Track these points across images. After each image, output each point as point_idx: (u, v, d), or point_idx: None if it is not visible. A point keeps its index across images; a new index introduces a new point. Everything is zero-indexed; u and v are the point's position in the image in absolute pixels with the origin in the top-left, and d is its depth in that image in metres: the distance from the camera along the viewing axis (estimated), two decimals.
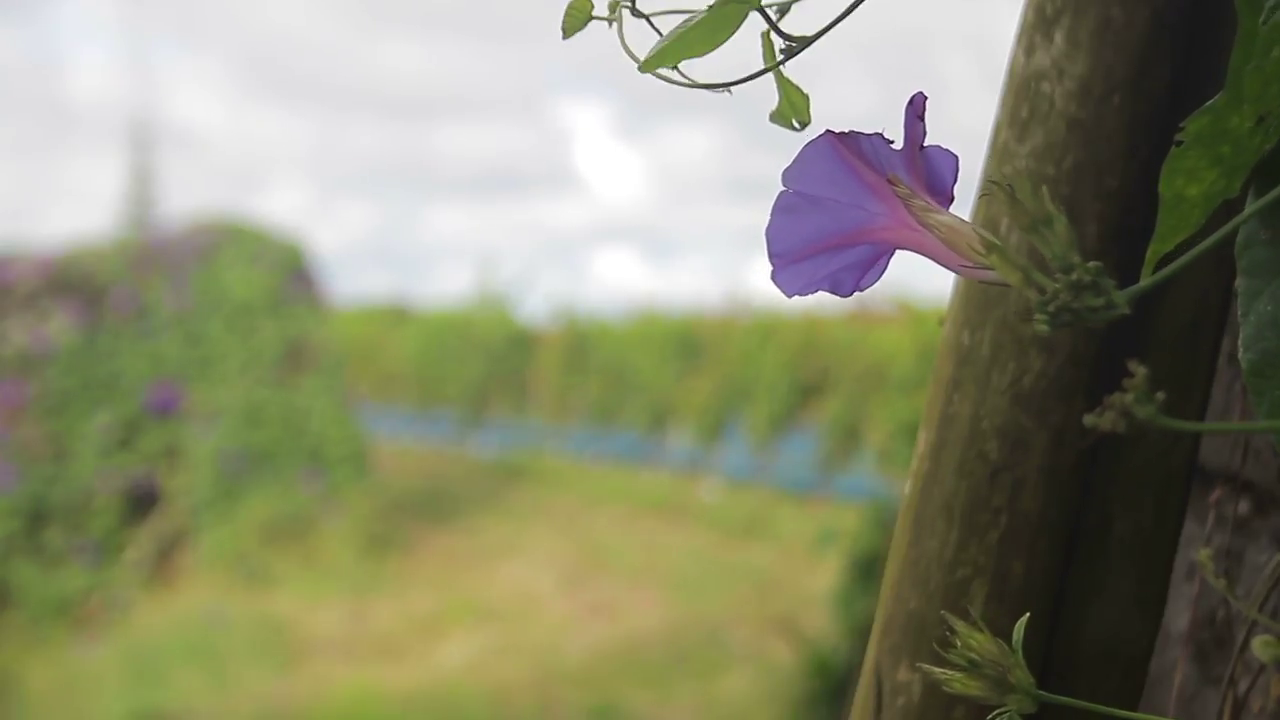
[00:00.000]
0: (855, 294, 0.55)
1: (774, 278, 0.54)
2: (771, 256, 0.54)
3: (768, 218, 0.54)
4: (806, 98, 0.65)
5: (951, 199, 0.55)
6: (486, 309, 13.40)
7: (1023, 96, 0.77)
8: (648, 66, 0.61)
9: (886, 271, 0.55)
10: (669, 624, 6.52)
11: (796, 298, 0.54)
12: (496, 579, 7.56)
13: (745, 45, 0.63)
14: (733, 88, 0.62)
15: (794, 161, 0.54)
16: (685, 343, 11.48)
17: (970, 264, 0.53)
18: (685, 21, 0.60)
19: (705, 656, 6.00)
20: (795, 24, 0.62)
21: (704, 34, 0.60)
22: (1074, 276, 0.45)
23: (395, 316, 15.20)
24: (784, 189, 0.54)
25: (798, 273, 0.54)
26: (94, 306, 8.04)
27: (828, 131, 0.54)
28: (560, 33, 0.63)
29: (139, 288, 8.19)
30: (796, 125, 0.65)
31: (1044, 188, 0.47)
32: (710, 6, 0.60)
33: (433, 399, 13.64)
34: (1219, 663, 0.85)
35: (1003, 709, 0.54)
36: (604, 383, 12.10)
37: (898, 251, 0.55)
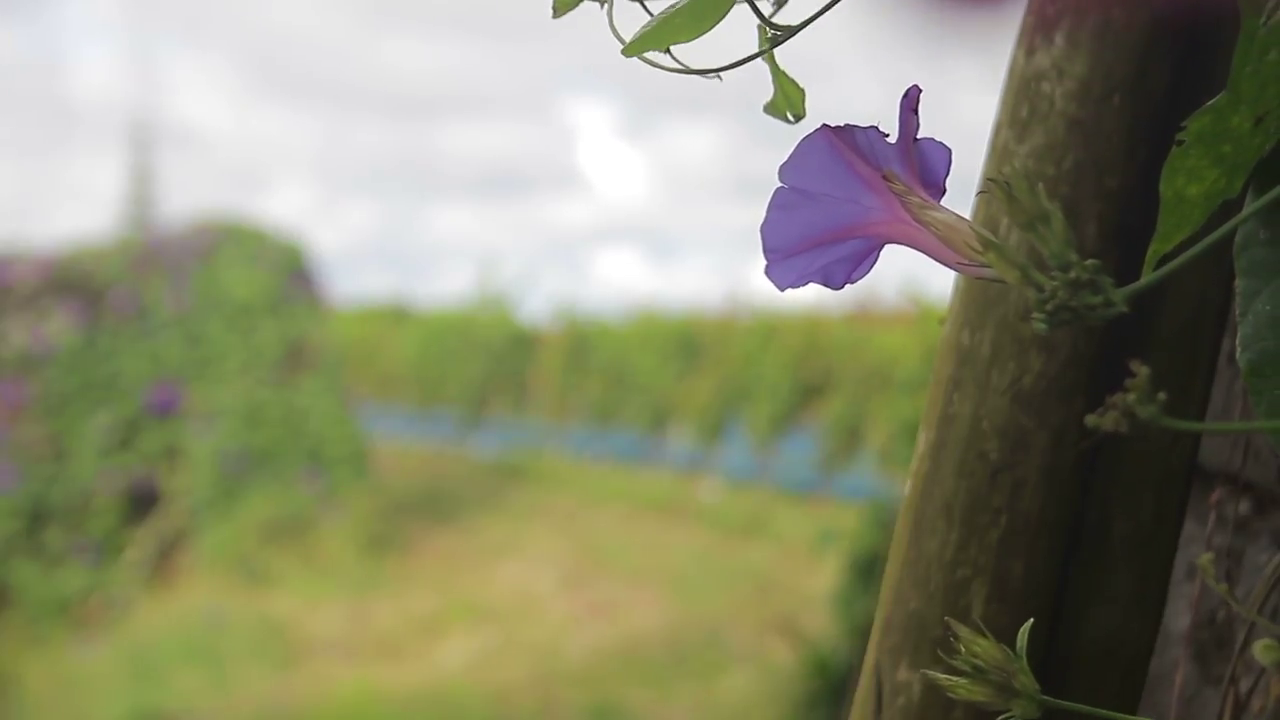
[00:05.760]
0: (846, 286, 0.55)
1: (767, 272, 0.54)
2: (766, 252, 0.54)
3: (764, 214, 0.55)
4: (802, 91, 0.65)
5: (943, 191, 0.55)
6: (487, 309, 13.39)
7: (1023, 96, 0.77)
8: (631, 51, 0.60)
9: (878, 265, 0.56)
10: (669, 624, 6.51)
11: (791, 291, 0.55)
12: (496, 579, 7.55)
13: (747, 43, 0.63)
14: (724, 75, 0.62)
15: (790, 156, 0.55)
16: (686, 343, 11.47)
17: (967, 261, 0.53)
18: (671, 6, 0.60)
19: (705, 656, 6.00)
20: (795, 18, 0.62)
21: (689, 19, 0.59)
22: (1072, 275, 0.45)
23: (395, 316, 15.20)
24: (780, 184, 0.55)
25: (790, 267, 0.54)
26: (94, 306, 8.03)
27: (823, 126, 0.54)
28: (551, 12, 0.62)
29: (139, 288, 8.19)
30: (790, 118, 0.65)
31: (1041, 185, 0.47)
32: None
33: (433, 399, 13.64)
34: (1219, 662, 0.85)
35: (1007, 714, 0.53)
36: (604, 383, 12.10)
37: (901, 247, 0.55)
